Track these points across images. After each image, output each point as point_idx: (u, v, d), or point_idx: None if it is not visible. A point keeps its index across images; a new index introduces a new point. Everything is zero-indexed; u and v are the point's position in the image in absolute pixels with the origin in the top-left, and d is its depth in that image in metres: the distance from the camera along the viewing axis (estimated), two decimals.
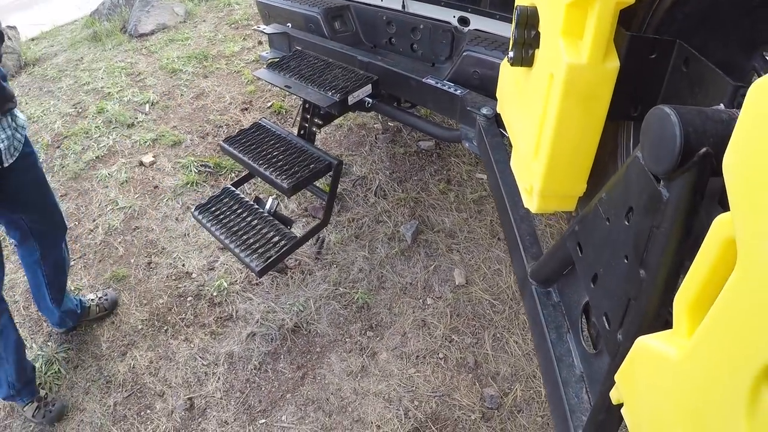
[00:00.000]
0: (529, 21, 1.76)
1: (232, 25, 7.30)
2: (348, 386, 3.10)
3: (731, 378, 0.74)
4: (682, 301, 0.91)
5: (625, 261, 1.19)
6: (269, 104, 5.42)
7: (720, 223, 0.81)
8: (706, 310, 0.82)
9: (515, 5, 1.85)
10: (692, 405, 0.84)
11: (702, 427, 0.82)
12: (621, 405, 1.13)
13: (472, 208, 4.07)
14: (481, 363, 3.16)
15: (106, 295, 3.59)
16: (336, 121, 4.62)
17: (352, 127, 4.98)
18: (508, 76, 2.13)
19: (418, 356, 3.21)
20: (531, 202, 1.85)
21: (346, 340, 3.33)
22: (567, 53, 1.50)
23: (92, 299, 3.54)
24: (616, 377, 1.11)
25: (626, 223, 1.20)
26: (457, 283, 3.57)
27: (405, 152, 4.61)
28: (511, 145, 2.17)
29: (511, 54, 1.82)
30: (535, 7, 1.75)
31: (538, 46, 1.77)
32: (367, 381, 3.12)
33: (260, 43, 6.64)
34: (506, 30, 2.99)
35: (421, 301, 3.50)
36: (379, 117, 5.02)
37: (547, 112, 1.62)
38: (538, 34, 1.76)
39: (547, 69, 1.62)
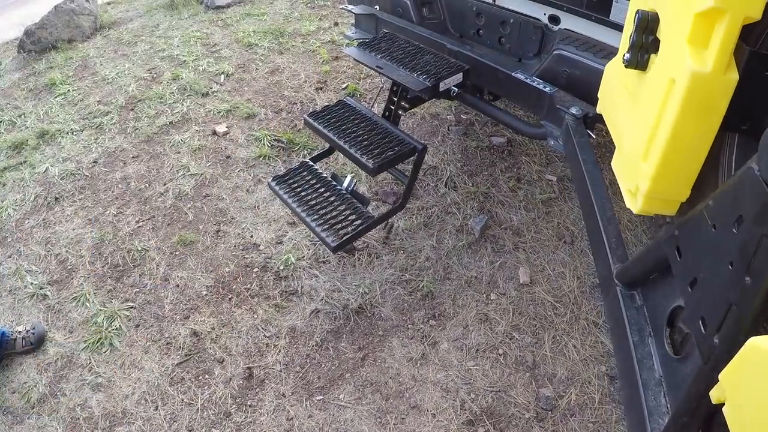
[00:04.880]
0: (649, 26, 1.76)
1: (308, 5, 7.32)
2: (407, 372, 3.13)
3: None
4: None
5: (730, 267, 1.21)
6: (344, 86, 5.44)
7: None
8: None
9: (635, 9, 1.84)
10: None
11: None
12: (710, 408, 1.19)
13: (540, 209, 4.04)
14: (539, 363, 3.16)
15: (33, 328, 3.42)
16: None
17: (425, 116, 4.97)
18: (616, 77, 2.12)
19: (478, 350, 3.22)
20: (634, 203, 1.83)
21: (409, 326, 3.35)
22: (692, 61, 1.49)
23: (19, 332, 3.39)
24: (721, 376, 1.13)
25: (734, 230, 1.22)
26: (521, 282, 3.56)
27: (477, 146, 4.60)
28: (599, 145, 2.17)
29: (627, 56, 1.82)
30: (656, 13, 1.75)
31: (654, 51, 1.76)
32: (426, 369, 3.14)
33: (336, 24, 6.66)
34: (597, 32, 2.97)
35: (485, 295, 3.49)
36: (452, 108, 5.01)
37: (663, 117, 1.61)
38: (656, 40, 1.75)
39: (668, 74, 1.60)
